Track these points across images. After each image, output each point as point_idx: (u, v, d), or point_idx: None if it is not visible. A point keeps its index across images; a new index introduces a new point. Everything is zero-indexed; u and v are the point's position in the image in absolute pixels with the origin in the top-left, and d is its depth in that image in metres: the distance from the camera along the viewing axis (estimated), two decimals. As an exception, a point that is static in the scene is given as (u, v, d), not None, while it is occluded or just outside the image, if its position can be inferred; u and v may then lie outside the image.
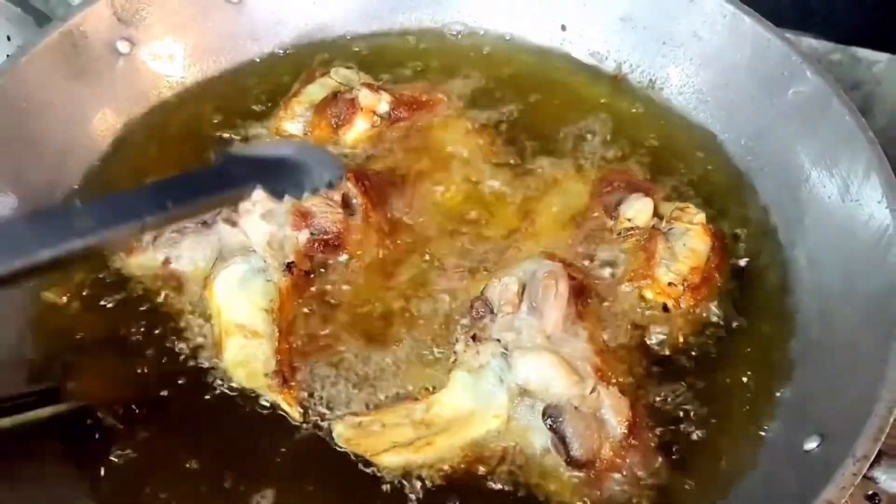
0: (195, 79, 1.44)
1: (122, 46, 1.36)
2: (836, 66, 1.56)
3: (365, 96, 1.32)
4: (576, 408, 1.01)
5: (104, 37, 1.34)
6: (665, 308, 1.14)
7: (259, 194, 1.00)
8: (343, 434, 1.04)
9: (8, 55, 1.49)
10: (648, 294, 1.14)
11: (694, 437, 1.08)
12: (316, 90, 1.37)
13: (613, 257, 1.18)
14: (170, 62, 1.41)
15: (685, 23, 1.38)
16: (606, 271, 1.18)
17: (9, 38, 1.57)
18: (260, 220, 1.15)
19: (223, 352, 1.10)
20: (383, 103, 1.33)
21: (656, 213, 1.20)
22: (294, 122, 1.34)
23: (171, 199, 0.92)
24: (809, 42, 1.57)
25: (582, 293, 1.11)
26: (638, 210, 1.19)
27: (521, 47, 1.51)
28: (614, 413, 1.01)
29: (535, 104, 1.44)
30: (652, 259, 1.15)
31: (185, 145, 1.28)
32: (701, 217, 1.19)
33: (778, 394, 1.11)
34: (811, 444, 0.99)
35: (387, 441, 1.03)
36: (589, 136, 1.40)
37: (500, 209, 1.28)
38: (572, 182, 1.29)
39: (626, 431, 1.01)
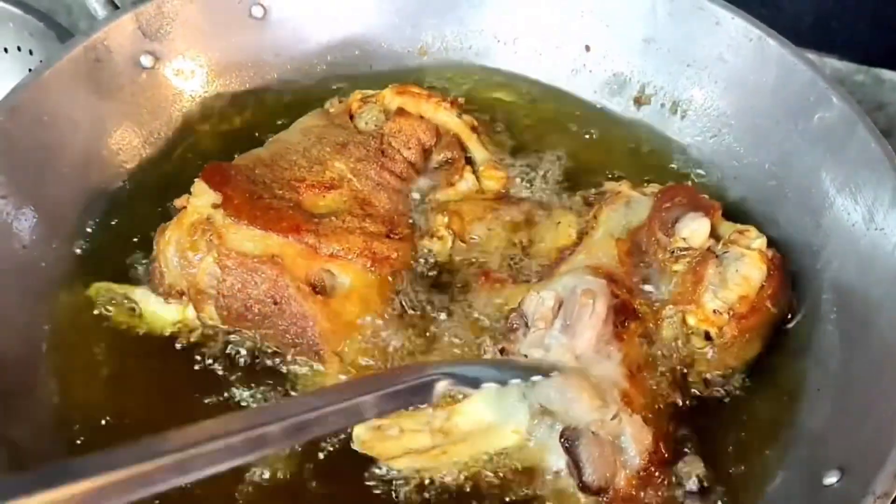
0: (218, 94, 1.44)
1: (146, 61, 1.36)
2: (860, 87, 1.55)
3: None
4: (594, 433, 0.99)
5: (128, 51, 1.34)
6: (707, 336, 1.11)
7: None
8: (360, 436, 1.04)
9: (30, 69, 1.51)
10: (691, 320, 1.10)
11: (712, 466, 1.06)
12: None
13: (662, 277, 1.15)
14: (192, 77, 1.42)
15: (710, 45, 1.37)
16: (653, 292, 1.14)
17: (31, 52, 1.59)
18: None
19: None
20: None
21: (714, 234, 1.16)
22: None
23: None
24: (833, 63, 1.56)
25: (623, 312, 1.08)
26: (694, 230, 1.15)
27: (544, 67, 1.50)
28: (634, 443, 0.99)
29: (557, 123, 1.45)
30: (700, 284, 1.10)
31: (213, 160, 1.27)
32: (761, 242, 1.14)
33: (797, 426, 1.10)
34: (831, 479, 0.97)
35: (402, 447, 1.02)
36: (612, 157, 1.40)
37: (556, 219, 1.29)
38: (635, 195, 1.25)
39: (644, 462, 0.99)
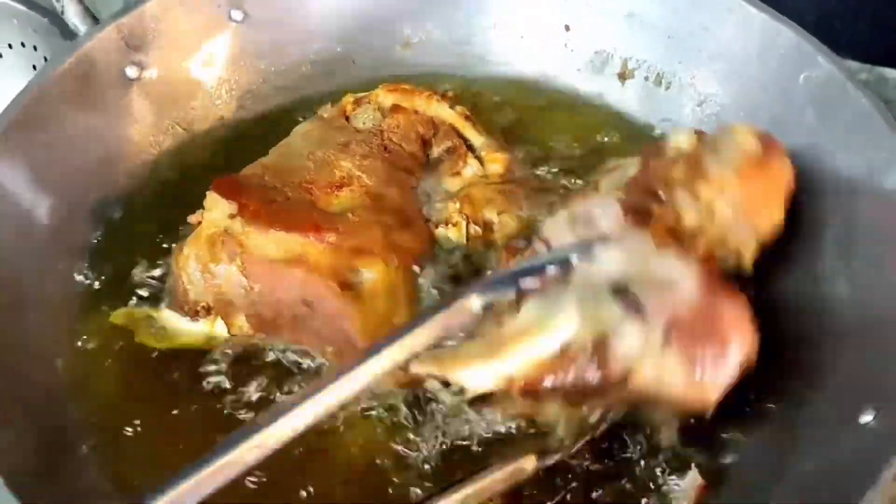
0: (208, 100, 1.43)
1: (132, 72, 1.34)
2: (864, 86, 1.58)
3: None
4: (641, 280, 1.00)
5: (113, 64, 1.32)
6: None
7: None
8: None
9: (34, 66, 1.56)
10: (703, 190, 1.10)
11: (745, 414, 1.10)
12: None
13: (666, 190, 1.13)
14: (181, 85, 1.40)
15: (691, 16, 1.40)
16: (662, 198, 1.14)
17: (35, 48, 1.59)
18: None
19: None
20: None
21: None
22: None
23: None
24: (836, 61, 1.59)
25: (637, 212, 1.09)
26: (680, 135, 1.18)
27: (525, 51, 1.53)
28: (684, 277, 1.00)
29: (540, 108, 1.47)
30: (700, 163, 1.12)
31: (206, 168, 1.26)
32: (742, 125, 1.17)
33: (826, 367, 1.11)
34: (867, 417, 1.00)
35: (463, 355, 1.01)
36: (602, 135, 1.43)
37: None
38: (627, 160, 1.24)
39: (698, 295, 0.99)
